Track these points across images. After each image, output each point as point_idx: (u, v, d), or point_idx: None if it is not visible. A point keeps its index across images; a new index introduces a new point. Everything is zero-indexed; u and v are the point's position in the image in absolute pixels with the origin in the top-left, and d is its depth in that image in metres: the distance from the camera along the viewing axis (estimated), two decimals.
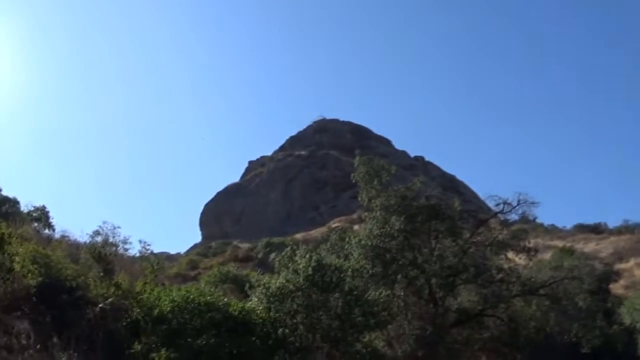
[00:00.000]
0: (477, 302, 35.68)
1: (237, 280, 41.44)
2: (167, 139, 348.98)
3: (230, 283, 40.25)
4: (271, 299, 25.63)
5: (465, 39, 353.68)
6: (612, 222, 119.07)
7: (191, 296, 24.22)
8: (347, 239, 36.07)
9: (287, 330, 24.82)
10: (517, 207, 36.44)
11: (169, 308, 23.49)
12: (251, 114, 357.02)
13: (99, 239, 34.56)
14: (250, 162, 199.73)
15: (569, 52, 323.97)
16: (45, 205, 44.33)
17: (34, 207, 43.51)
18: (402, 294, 33.63)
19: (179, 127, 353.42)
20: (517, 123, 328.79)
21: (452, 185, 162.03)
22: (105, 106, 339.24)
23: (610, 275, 68.40)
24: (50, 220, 43.50)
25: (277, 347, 24.71)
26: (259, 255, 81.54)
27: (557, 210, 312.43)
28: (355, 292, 25.92)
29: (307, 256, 26.32)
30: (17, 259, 22.50)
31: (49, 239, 33.75)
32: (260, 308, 25.57)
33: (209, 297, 24.66)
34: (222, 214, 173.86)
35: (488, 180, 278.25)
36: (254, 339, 23.86)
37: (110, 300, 23.26)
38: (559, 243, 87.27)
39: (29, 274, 22.42)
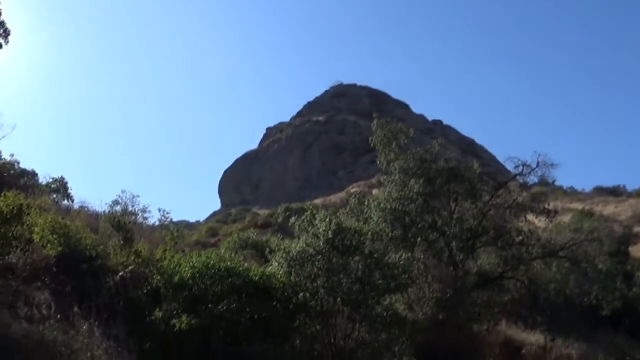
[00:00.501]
0: (497, 265, 35.54)
1: (257, 246, 41.38)
2: (186, 107, 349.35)
3: (251, 249, 40.19)
4: (292, 264, 25.54)
5: None
6: (632, 185, 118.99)
7: (211, 262, 24.17)
8: (366, 203, 36.05)
9: (307, 295, 24.75)
10: (537, 169, 36.36)
11: (189, 274, 23.45)
12: (268, 80, 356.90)
13: (118, 208, 34.62)
14: (268, 129, 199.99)
15: (590, 12, 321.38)
16: (64, 177, 44.36)
17: (53, 178, 43.54)
18: (422, 257, 33.48)
19: (197, 95, 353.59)
20: (536, 85, 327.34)
21: (471, 149, 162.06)
22: (124, 75, 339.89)
23: (630, 238, 67.96)
24: (69, 191, 43.52)
25: (298, 311, 24.73)
26: (279, 221, 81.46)
27: (576, 173, 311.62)
28: (375, 256, 25.80)
29: (327, 220, 26.19)
30: (36, 229, 22.47)
31: (68, 210, 33.79)
32: (280, 273, 25.51)
33: (229, 263, 24.60)
34: (241, 181, 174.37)
35: (507, 144, 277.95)
36: (274, 303, 23.89)
37: (130, 268, 23.25)
38: (579, 206, 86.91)
39: (49, 245, 22.44)
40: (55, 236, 22.75)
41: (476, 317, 33.47)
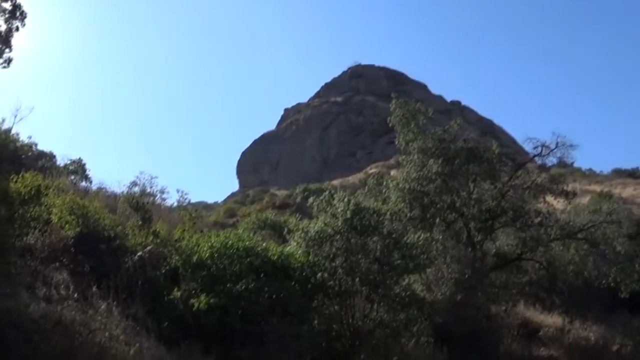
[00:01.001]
0: (516, 246, 35.42)
1: (275, 227, 41.41)
2: (204, 87, 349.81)
3: (269, 229, 40.24)
4: (310, 243, 25.54)
5: None
6: None
7: (230, 242, 24.19)
8: (384, 183, 36.03)
9: (326, 274, 24.74)
10: (555, 150, 36.25)
11: (207, 254, 23.49)
12: (286, 61, 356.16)
13: (136, 189, 34.66)
14: (286, 110, 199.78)
15: None
16: (82, 158, 44.46)
17: (71, 160, 43.62)
18: (440, 237, 33.50)
19: (214, 75, 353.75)
20: (555, 65, 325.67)
21: (489, 129, 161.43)
22: (141, 55, 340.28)
23: None
24: (87, 172, 43.65)
25: (316, 291, 24.80)
26: (297, 201, 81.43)
27: (594, 155, 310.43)
28: (394, 236, 25.74)
29: (346, 200, 26.18)
30: (54, 210, 22.57)
31: (86, 191, 33.86)
32: (299, 252, 25.51)
33: (247, 243, 24.63)
34: (258, 162, 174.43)
35: (526, 125, 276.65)
36: (293, 283, 23.93)
37: (148, 248, 23.33)
38: (597, 188, 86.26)
39: (67, 225, 22.52)
40: (73, 217, 22.80)
41: (494, 298, 33.48)
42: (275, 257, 24.56)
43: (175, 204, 38.83)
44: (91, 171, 44.80)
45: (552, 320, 35.36)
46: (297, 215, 46.20)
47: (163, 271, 22.94)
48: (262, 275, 23.00)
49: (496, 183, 35.12)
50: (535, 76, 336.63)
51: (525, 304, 36.51)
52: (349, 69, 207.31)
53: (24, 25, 26.13)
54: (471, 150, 35.01)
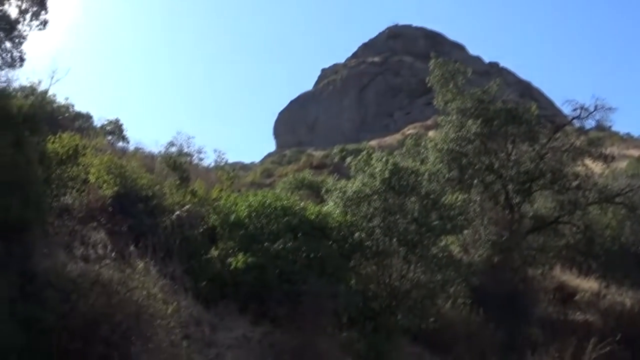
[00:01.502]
0: (553, 209, 35.29)
1: (312, 186, 41.53)
2: (241, 49, 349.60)
3: (306, 189, 40.36)
4: (347, 203, 25.53)
5: None
6: None
7: (267, 201, 24.26)
8: (422, 144, 35.89)
9: (363, 234, 24.74)
10: (594, 113, 35.90)
11: (245, 213, 23.57)
12: (323, 21, 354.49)
13: (173, 149, 34.83)
14: (323, 70, 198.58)
15: None
16: (119, 119, 44.74)
17: (108, 120, 43.91)
18: (478, 199, 33.39)
19: (252, 36, 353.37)
20: (595, 28, 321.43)
21: (527, 92, 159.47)
22: (177, 17, 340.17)
23: None
24: (124, 133, 43.95)
25: (353, 251, 24.73)
26: (334, 161, 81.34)
27: (633, 119, 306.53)
28: (431, 196, 25.60)
29: (384, 160, 26.04)
30: (91, 170, 22.69)
31: (124, 151, 34.07)
32: (336, 212, 25.52)
33: (285, 202, 24.69)
34: (295, 123, 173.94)
35: (564, 87, 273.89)
36: (330, 243, 23.95)
37: (186, 207, 23.41)
38: (635, 152, 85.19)
39: (104, 185, 22.63)
40: (110, 176, 22.91)
41: (531, 260, 33.46)
42: (313, 216, 24.60)
43: (213, 164, 39.12)
44: (128, 132, 45.05)
45: (588, 284, 35.13)
46: (335, 175, 46.24)
47: (200, 230, 23.00)
48: (299, 234, 22.96)
49: (535, 145, 34.89)
50: (574, 38, 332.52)
51: (561, 267, 36.26)
52: (386, 29, 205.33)
53: None
54: (510, 111, 34.74)
